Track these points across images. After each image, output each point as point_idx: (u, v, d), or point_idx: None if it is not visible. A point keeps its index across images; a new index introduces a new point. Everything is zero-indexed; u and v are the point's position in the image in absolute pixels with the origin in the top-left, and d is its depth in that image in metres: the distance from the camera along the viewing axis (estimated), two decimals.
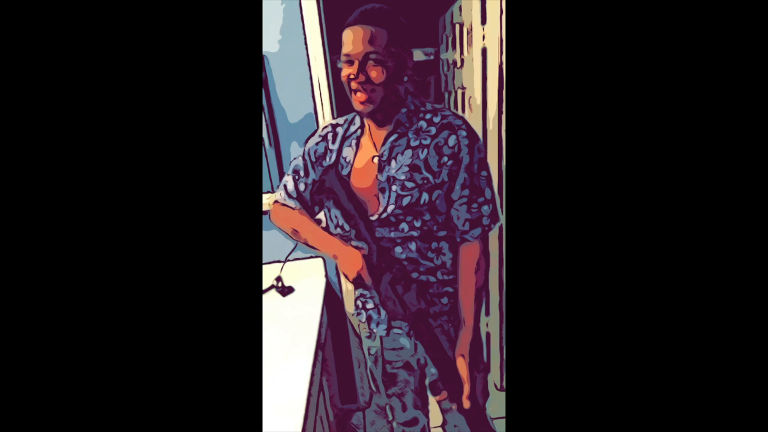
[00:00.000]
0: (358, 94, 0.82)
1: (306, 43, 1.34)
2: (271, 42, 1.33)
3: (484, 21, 1.41)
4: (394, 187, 0.86)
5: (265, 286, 1.48)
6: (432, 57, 2.57)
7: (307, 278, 1.54)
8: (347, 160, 0.92)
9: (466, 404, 0.87)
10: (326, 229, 0.96)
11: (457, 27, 1.70)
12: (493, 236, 1.53)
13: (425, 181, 0.85)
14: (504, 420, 1.58)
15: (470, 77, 1.56)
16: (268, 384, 0.99)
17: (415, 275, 0.91)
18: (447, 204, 0.89)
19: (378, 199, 0.89)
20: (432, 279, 0.93)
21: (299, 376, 1.02)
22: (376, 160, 0.89)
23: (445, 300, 0.95)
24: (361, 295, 1.00)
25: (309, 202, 0.98)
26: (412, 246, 0.90)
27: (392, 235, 0.89)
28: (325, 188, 0.91)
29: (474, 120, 1.54)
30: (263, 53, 1.33)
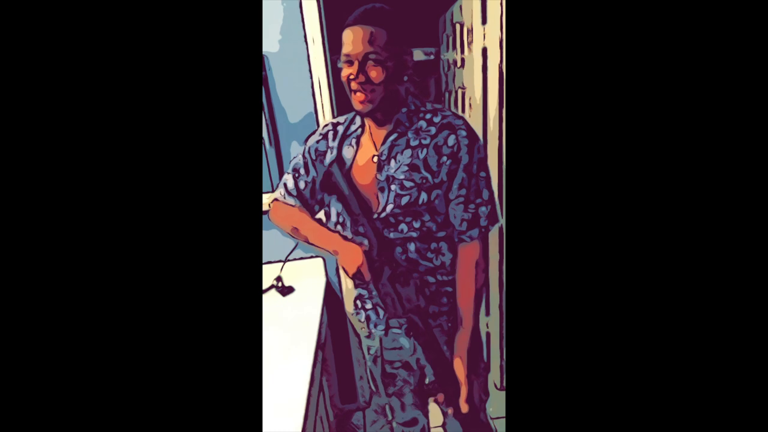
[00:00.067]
0: (358, 94, 0.82)
1: (306, 43, 1.34)
2: (271, 42, 1.33)
3: (484, 21, 1.41)
4: (393, 187, 0.86)
5: (265, 286, 1.48)
6: (432, 57, 2.57)
7: (307, 278, 1.54)
8: (347, 159, 0.92)
9: (464, 408, 0.87)
10: (326, 225, 0.96)
11: (458, 27, 1.70)
12: (493, 236, 1.53)
13: (424, 181, 0.85)
14: (504, 420, 1.58)
15: (470, 77, 1.56)
16: (268, 384, 0.99)
17: (414, 275, 0.91)
18: (446, 204, 0.89)
19: (377, 198, 0.89)
20: (431, 279, 0.93)
21: (299, 376, 1.02)
22: (375, 159, 0.89)
23: (444, 300, 0.95)
24: (360, 295, 1.00)
25: (309, 200, 0.98)
26: (411, 247, 0.90)
27: (392, 236, 0.89)
28: (329, 183, 0.91)
29: (474, 120, 1.54)
30: (263, 53, 1.33)
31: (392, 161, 0.87)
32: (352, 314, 1.05)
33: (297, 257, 1.53)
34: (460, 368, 0.88)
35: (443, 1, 1.92)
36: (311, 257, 1.54)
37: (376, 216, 0.89)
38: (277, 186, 1.02)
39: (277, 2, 1.30)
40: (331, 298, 1.59)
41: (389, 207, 0.87)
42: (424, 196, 0.86)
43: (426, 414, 1.13)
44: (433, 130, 0.86)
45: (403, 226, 0.88)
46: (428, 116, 0.88)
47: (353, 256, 0.86)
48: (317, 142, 0.96)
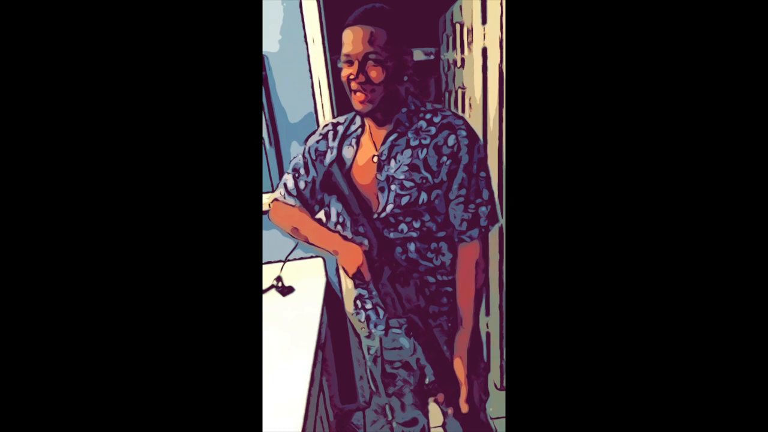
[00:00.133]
0: (358, 94, 0.82)
1: (306, 43, 1.34)
2: (271, 42, 1.33)
3: (484, 21, 1.41)
4: (393, 187, 0.86)
5: (265, 286, 1.48)
6: (432, 57, 2.58)
7: (307, 278, 1.54)
8: (347, 159, 0.92)
9: (464, 408, 0.87)
10: (326, 225, 0.96)
11: (458, 27, 1.70)
12: (493, 236, 1.53)
13: (424, 181, 0.85)
14: (504, 420, 1.58)
15: (470, 77, 1.56)
16: (268, 384, 0.99)
17: (414, 275, 0.91)
18: (446, 204, 0.89)
19: (377, 198, 0.89)
20: (431, 279, 0.93)
21: (299, 376, 1.02)
22: (375, 159, 0.89)
23: (444, 300, 0.95)
24: (360, 296, 1.00)
25: (309, 200, 0.98)
26: (411, 247, 0.90)
27: (392, 236, 0.89)
28: (329, 183, 0.91)
29: (474, 120, 1.54)
30: (263, 53, 1.33)
31: (392, 161, 0.87)
32: (352, 314, 1.05)
33: (297, 257, 1.53)
34: (460, 368, 0.88)
35: (443, 1, 1.92)
36: (311, 257, 1.54)
37: (376, 216, 0.89)
38: (277, 186, 1.02)
39: (277, 2, 1.30)
40: (331, 298, 1.59)
41: (389, 207, 0.87)
42: (424, 196, 0.86)
43: (426, 414, 1.13)
44: (433, 130, 0.86)
45: (403, 226, 0.88)
46: (428, 116, 0.88)
47: (353, 256, 0.86)
48: (317, 142, 0.96)
